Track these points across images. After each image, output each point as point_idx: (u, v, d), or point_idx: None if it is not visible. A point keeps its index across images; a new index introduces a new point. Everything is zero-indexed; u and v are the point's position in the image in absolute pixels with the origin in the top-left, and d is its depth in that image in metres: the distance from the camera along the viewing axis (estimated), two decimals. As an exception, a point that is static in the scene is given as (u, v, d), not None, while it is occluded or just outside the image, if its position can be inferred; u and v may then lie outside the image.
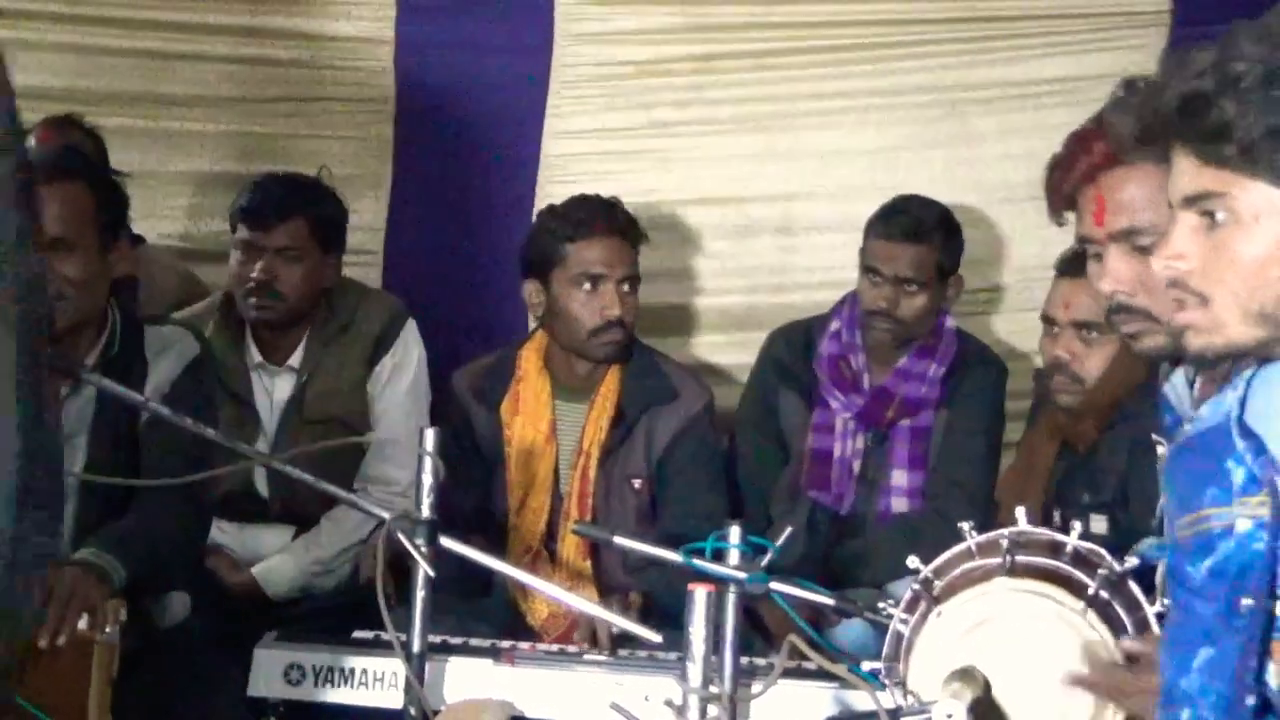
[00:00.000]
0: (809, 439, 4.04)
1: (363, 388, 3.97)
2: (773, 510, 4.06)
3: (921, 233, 3.94)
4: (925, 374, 3.99)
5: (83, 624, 2.81)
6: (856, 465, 4.00)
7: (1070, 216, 2.47)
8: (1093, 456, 3.39)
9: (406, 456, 3.81)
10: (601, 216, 3.80)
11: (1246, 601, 1.86)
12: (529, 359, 3.85)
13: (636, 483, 3.79)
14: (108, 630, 2.83)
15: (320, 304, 4.00)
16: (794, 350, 4.12)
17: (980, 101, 4.58)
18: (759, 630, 3.68)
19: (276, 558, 3.88)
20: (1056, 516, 3.27)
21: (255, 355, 3.98)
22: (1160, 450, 2.54)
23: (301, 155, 4.57)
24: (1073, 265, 3.43)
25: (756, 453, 4.13)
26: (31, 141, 4.25)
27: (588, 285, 3.75)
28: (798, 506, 4.02)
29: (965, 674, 2.24)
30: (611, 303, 3.74)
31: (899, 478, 3.98)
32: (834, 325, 4.08)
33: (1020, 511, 2.39)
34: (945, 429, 3.96)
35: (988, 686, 2.25)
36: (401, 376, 4.00)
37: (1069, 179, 2.39)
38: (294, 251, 3.91)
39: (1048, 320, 3.47)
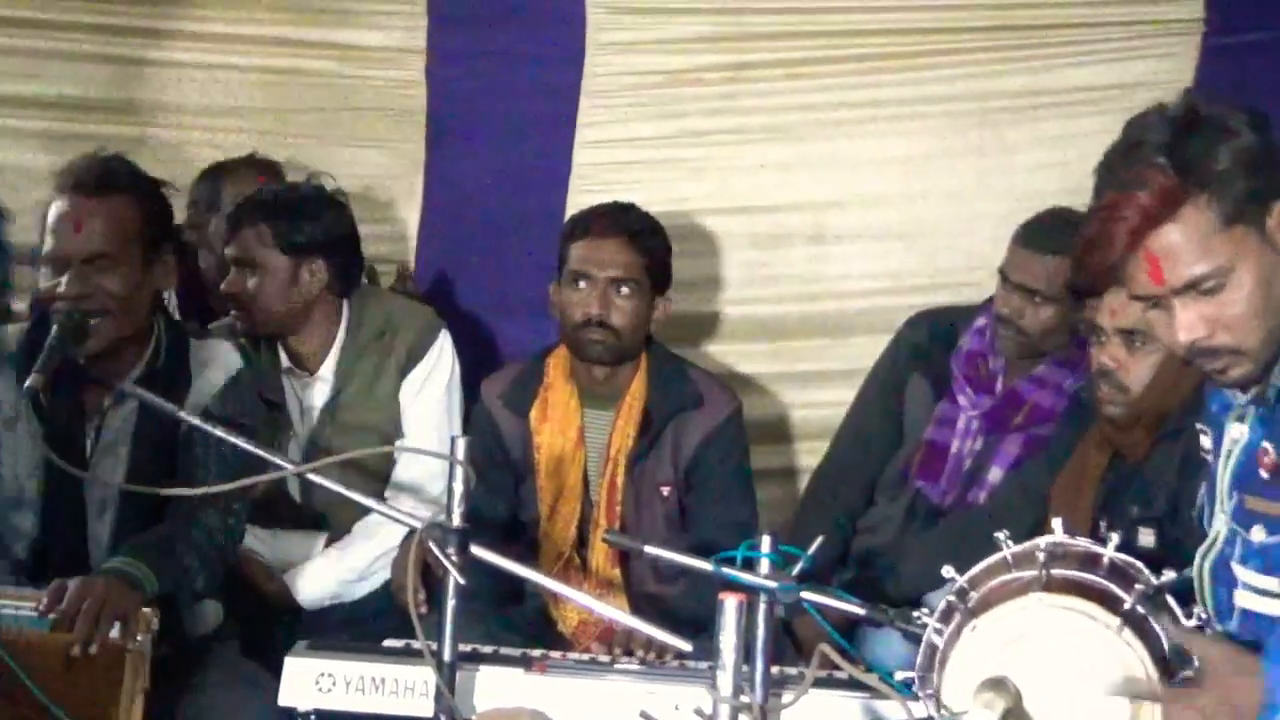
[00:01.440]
0: (928, 430, 4.02)
1: (395, 397, 3.98)
2: (880, 495, 4.06)
3: (1055, 245, 3.84)
4: (1060, 385, 3.93)
5: (115, 633, 2.82)
6: (969, 463, 3.98)
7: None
8: (1143, 468, 3.37)
9: (437, 465, 3.82)
10: (602, 217, 3.82)
11: None
12: (556, 366, 3.85)
13: (665, 490, 3.78)
14: (140, 639, 2.84)
15: (339, 312, 3.98)
16: (935, 338, 4.08)
17: (1012, 110, 4.57)
18: (790, 638, 3.67)
19: (309, 565, 3.89)
20: (1103, 528, 3.25)
21: (285, 361, 4.00)
22: (1204, 440, 2.53)
23: (334, 166, 4.57)
24: None
25: (875, 437, 4.11)
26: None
27: (580, 284, 3.76)
28: (902, 493, 4.01)
29: (997, 684, 2.23)
30: (590, 300, 3.74)
31: (996, 475, 3.94)
32: (980, 321, 4.04)
33: (1057, 522, 2.38)
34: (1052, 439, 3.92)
35: (1019, 698, 2.24)
36: (434, 386, 4.00)
37: (1111, 253, 2.32)
38: (246, 260, 3.91)
39: (1095, 328, 3.44)
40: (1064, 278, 3.85)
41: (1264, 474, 2.31)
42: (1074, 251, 3.65)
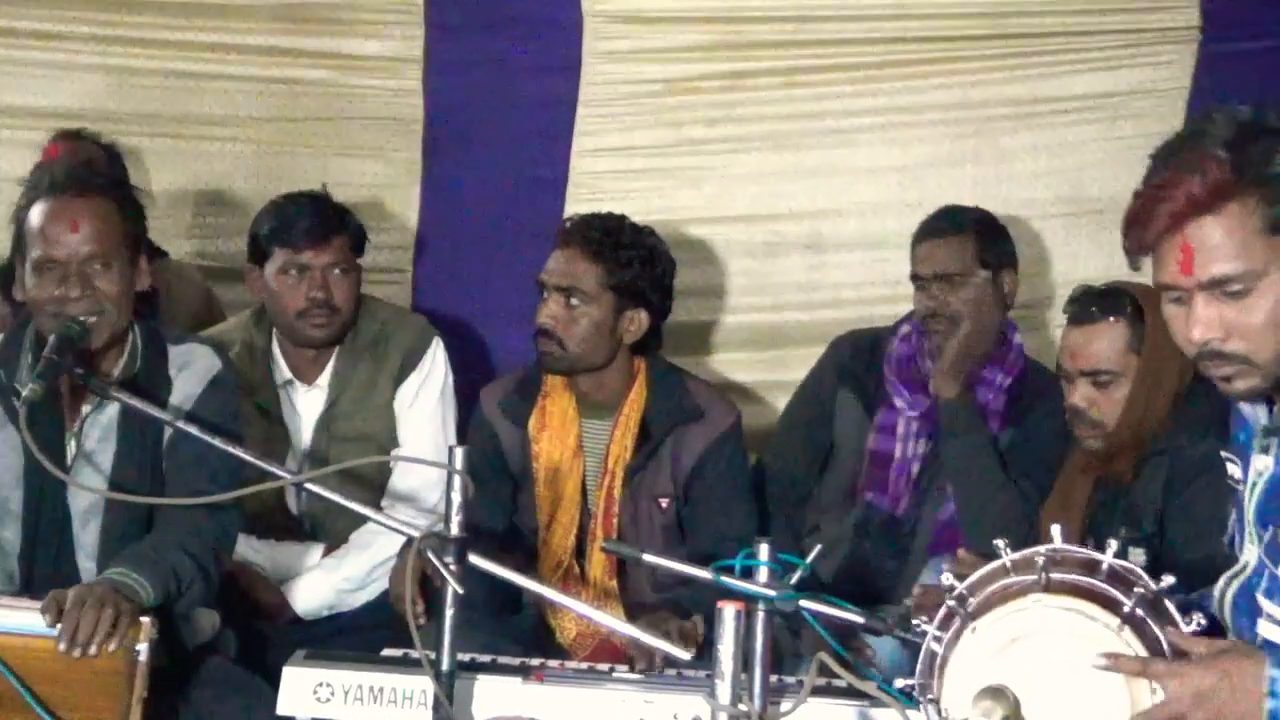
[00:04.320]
0: (870, 440, 4.02)
1: (390, 406, 3.98)
2: (811, 518, 4.06)
3: (952, 226, 3.96)
4: (993, 381, 3.96)
5: (113, 644, 2.82)
6: (915, 468, 3.98)
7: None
8: (1129, 490, 3.39)
9: (434, 475, 3.82)
10: (566, 228, 3.84)
11: None
12: (554, 375, 3.84)
13: (663, 502, 3.78)
14: (138, 648, 2.84)
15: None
16: (859, 356, 4.11)
17: (1009, 118, 4.57)
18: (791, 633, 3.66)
19: (307, 575, 3.89)
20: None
21: (285, 373, 3.99)
22: (1232, 468, 2.52)
23: (331, 174, 4.58)
24: (1078, 312, 3.42)
25: (800, 452, 4.13)
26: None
27: (542, 293, 3.78)
28: (849, 510, 4.01)
29: (995, 692, 2.23)
30: (543, 309, 3.75)
31: None
32: (905, 329, 4.07)
33: (1055, 530, 2.38)
34: (1006, 450, 3.90)
35: (1018, 706, 2.24)
36: (428, 395, 4.00)
37: (1150, 230, 2.28)
38: (344, 266, 3.94)
39: (1061, 368, 3.48)
40: (972, 251, 3.94)
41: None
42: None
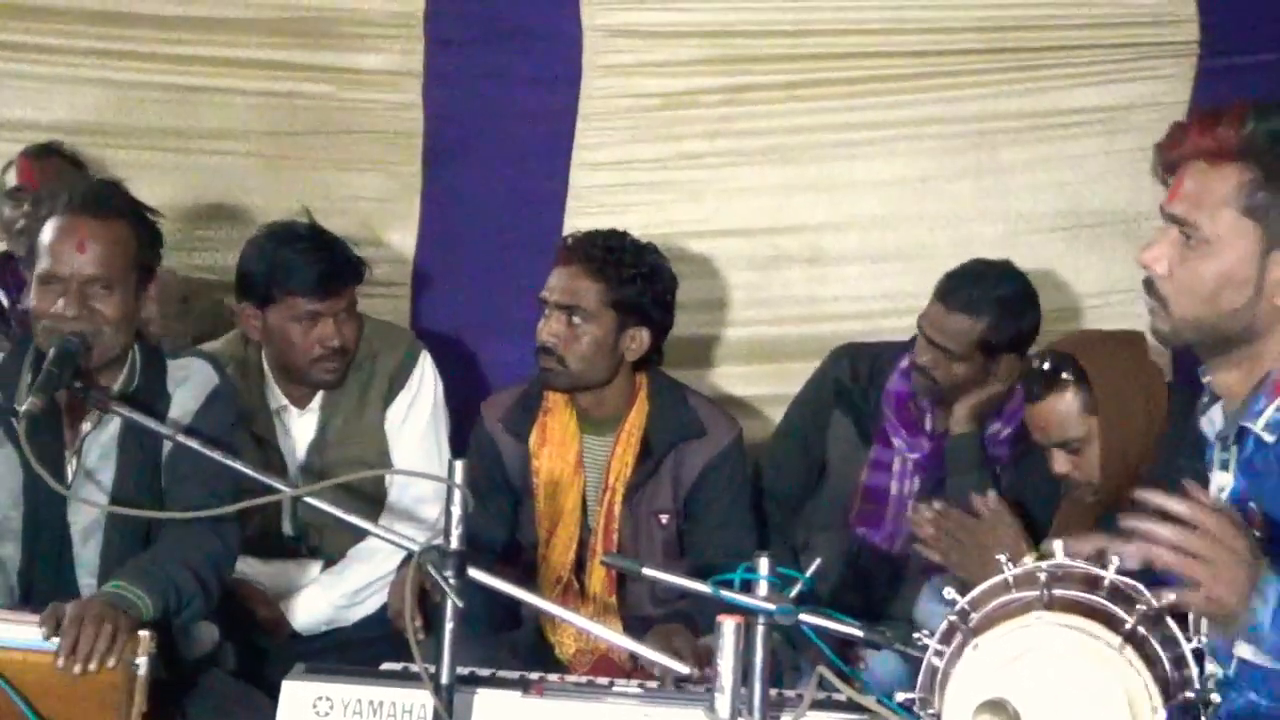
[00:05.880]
0: (863, 475, 3.99)
1: (381, 427, 3.96)
2: (801, 534, 4.05)
3: (968, 305, 3.81)
4: (996, 435, 3.92)
5: (112, 659, 2.81)
6: (910, 506, 3.96)
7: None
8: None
9: (431, 491, 3.81)
10: (568, 245, 3.82)
11: None
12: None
13: (664, 518, 3.77)
14: (137, 662, 2.84)
15: None
16: (857, 376, 4.05)
17: (1008, 132, 4.58)
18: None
19: (305, 592, 3.88)
20: None
21: (280, 399, 3.97)
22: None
23: (331, 188, 4.59)
24: (1027, 391, 3.41)
25: (793, 465, 4.11)
26: (12, 172, 4.33)
27: (544, 309, 3.76)
28: (842, 533, 3.99)
29: (996, 705, 2.23)
30: (544, 326, 3.74)
31: None
32: (904, 363, 3.99)
33: (1057, 545, 2.38)
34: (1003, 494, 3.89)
35: (1018, 719, 2.23)
36: (418, 413, 3.98)
37: (1173, 152, 2.39)
38: (351, 308, 3.92)
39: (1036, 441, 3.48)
40: (976, 336, 3.81)
41: (1255, 533, 2.31)
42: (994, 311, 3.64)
